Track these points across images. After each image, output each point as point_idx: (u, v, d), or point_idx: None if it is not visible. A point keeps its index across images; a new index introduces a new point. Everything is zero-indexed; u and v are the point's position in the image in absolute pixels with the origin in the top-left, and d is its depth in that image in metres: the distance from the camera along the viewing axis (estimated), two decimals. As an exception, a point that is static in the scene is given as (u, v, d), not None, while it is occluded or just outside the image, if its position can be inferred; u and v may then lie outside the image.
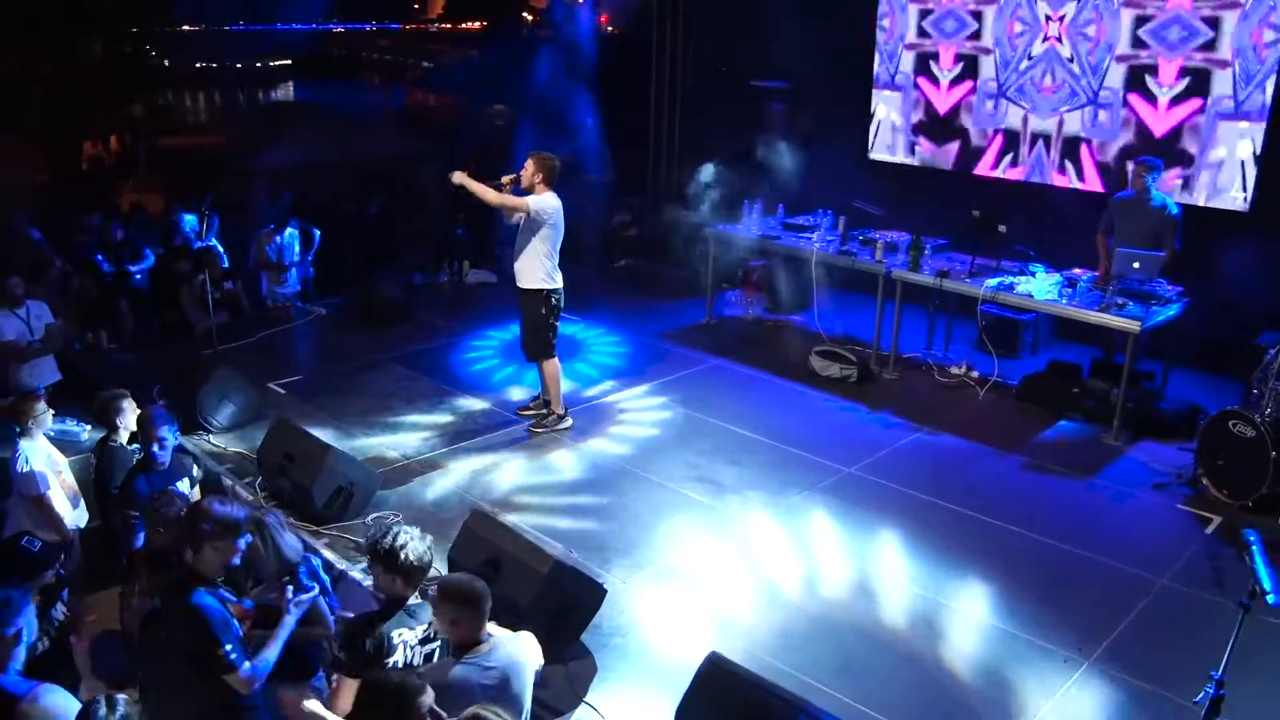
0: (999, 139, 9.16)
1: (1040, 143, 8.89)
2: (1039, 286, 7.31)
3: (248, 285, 9.54)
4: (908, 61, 9.73)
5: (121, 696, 3.12)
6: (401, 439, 6.92)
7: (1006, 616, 5.02)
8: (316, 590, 3.70)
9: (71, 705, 3.27)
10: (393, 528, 3.48)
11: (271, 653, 3.51)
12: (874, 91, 10.03)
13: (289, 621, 3.61)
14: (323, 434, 6.52)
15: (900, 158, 9.96)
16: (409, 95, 29.59)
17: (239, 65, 39.31)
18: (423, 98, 28.79)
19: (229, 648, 3.37)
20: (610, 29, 17.27)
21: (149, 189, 12.53)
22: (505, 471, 6.49)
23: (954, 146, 9.52)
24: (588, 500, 6.14)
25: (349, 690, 3.22)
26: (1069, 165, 8.74)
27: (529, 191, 6.75)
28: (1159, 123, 8.15)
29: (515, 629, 4.63)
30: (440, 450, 6.76)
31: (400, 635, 3.42)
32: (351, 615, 3.89)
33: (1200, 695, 3.19)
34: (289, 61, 42.21)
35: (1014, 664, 4.67)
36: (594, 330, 9.28)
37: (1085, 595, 5.24)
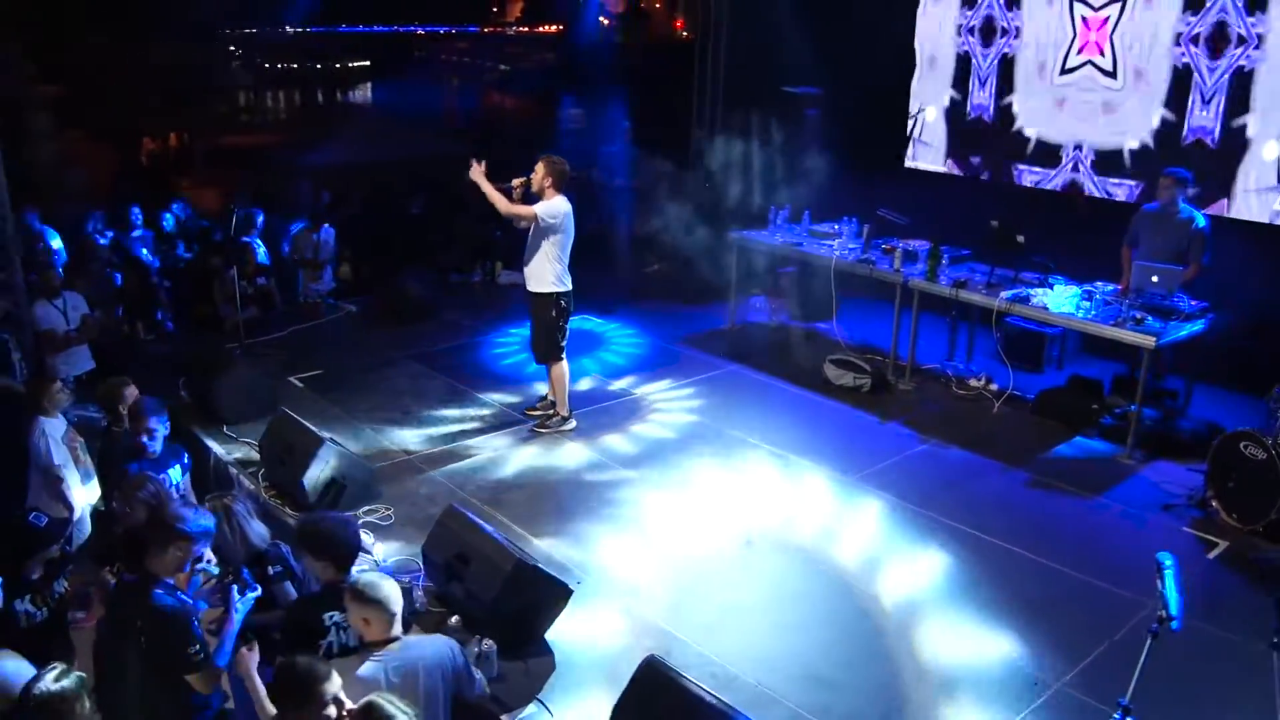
0: (1036, 147, 8.96)
1: (1078, 152, 8.66)
2: (1055, 299, 7.14)
3: (284, 281, 9.84)
4: (946, 67, 9.58)
5: (77, 673, 3.26)
6: (406, 435, 7.06)
7: (984, 634, 4.93)
8: (259, 590, 3.80)
9: (25, 670, 3.38)
10: (321, 516, 3.58)
11: (223, 654, 3.60)
12: (911, 98, 9.90)
13: (235, 619, 3.70)
14: (331, 428, 6.69)
15: (936, 165, 9.81)
16: (484, 97, 29.93)
17: (318, 66, 40.39)
18: (498, 100, 29.12)
19: (195, 648, 3.49)
20: (686, 34, 17.33)
21: (204, 185, 12.99)
22: (502, 469, 6.58)
23: (990, 154, 9.33)
24: (574, 500, 6.19)
25: None
26: (1108, 176, 8.49)
27: (539, 194, 6.84)
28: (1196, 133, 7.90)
29: (479, 624, 4.75)
30: (441, 447, 6.88)
31: (332, 618, 3.52)
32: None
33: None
34: (368, 63, 43.27)
35: (982, 683, 4.58)
36: (616, 330, 9.36)
37: (1071, 617, 5.10)
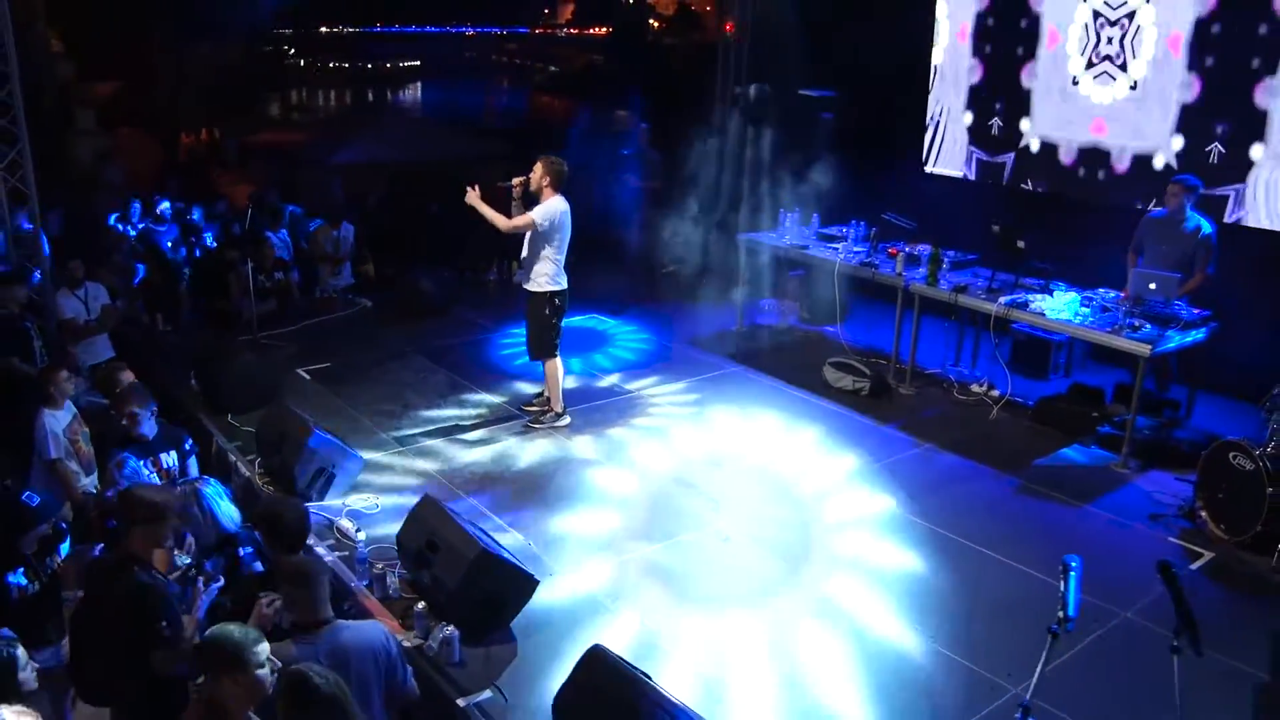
0: (1046, 152, 8.86)
1: (1099, 158, 8.54)
2: (1054, 305, 7.07)
3: (306, 276, 10.08)
4: (965, 73, 9.51)
5: (20, 650, 3.41)
6: (402, 426, 7.20)
7: (947, 638, 4.92)
8: (223, 582, 3.95)
9: None
10: (275, 499, 3.72)
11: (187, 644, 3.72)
12: (929, 102, 9.85)
13: (201, 606, 3.85)
14: (331, 419, 6.88)
15: (954, 170, 9.73)
16: (532, 98, 30.20)
17: (369, 65, 41.15)
18: (548, 101, 29.37)
19: (163, 624, 3.63)
20: (735, 37, 17.33)
21: (237, 181, 13.34)
22: (492, 462, 6.69)
23: (1009, 159, 9.25)
24: (559, 494, 6.28)
25: None
26: (1131, 183, 8.37)
27: (537, 194, 6.96)
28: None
29: (444, 611, 4.85)
30: (437, 440, 7.01)
31: (270, 598, 3.65)
32: None
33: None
34: (418, 63, 43.91)
35: (936, 687, 4.58)
36: (624, 330, 9.44)
37: (1039, 622, 5.04)
